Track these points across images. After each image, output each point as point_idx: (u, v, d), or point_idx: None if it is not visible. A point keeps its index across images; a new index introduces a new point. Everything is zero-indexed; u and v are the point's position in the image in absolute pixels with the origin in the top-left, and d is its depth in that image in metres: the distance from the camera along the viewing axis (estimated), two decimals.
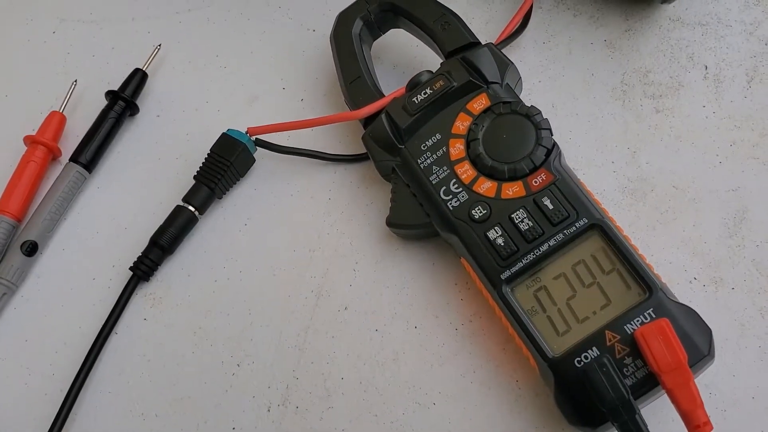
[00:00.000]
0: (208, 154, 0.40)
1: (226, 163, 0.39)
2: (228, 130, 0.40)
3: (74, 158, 0.41)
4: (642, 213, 0.40)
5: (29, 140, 0.42)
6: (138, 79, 0.43)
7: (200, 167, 0.40)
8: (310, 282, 0.39)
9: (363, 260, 0.40)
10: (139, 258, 0.39)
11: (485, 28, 0.45)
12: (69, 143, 0.44)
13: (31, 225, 0.40)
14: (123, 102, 0.42)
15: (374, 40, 0.43)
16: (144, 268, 0.38)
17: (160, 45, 0.45)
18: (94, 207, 0.42)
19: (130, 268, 0.39)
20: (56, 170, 0.43)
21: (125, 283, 0.39)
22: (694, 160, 0.41)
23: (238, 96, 0.45)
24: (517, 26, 0.43)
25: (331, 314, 0.38)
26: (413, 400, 0.36)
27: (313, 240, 0.40)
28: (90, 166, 0.41)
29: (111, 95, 0.43)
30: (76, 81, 0.44)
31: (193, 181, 0.40)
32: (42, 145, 0.41)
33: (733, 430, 0.34)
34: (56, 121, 0.42)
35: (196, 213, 0.40)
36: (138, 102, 0.44)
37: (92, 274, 0.40)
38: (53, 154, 0.42)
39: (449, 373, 0.37)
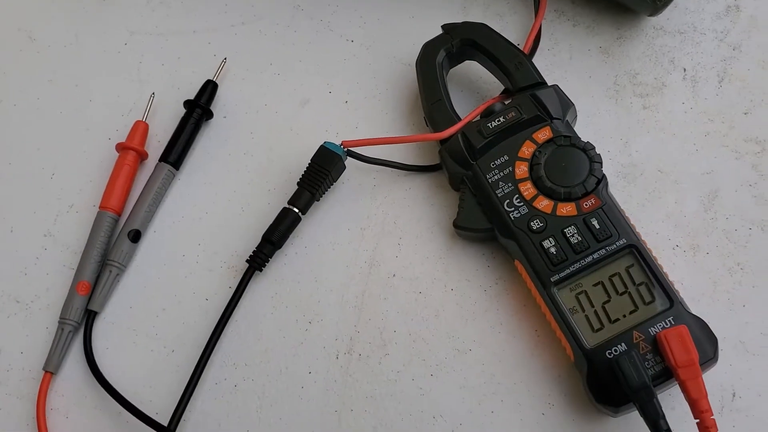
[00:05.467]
0: (309, 164, 0.47)
1: (325, 172, 0.46)
2: (325, 142, 0.47)
3: (164, 158, 0.49)
4: (633, 193, 0.48)
5: (121, 147, 0.50)
6: (210, 89, 0.51)
7: (302, 175, 0.47)
8: (363, 255, 0.48)
9: (406, 237, 0.48)
10: (254, 252, 0.46)
11: None
12: (150, 144, 0.52)
13: (135, 216, 0.48)
14: (200, 109, 0.50)
15: (451, 68, 0.50)
16: (259, 261, 0.46)
17: (225, 59, 0.53)
18: (181, 198, 0.50)
19: (247, 261, 0.46)
20: (143, 168, 0.51)
21: (228, 266, 0.48)
22: (675, 148, 0.49)
23: (291, 99, 0.53)
24: (531, 47, 0.51)
25: (382, 280, 0.47)
26: (453, 347, 0.45)
27: (373, 225, 0.49)
28: (177, 164, 0.49)
29: (189, 104, 0.50)
30: (153, 94, 0.52)
31: (296, 187, 0.47)
32: (132, 150, 0.49)
33: None
34: (141, 129, 0.50)
35: (300, 214, 0.47)
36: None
37: (182, 252, 0.49)
38: (141, 157, 0.50)
39: (481, 326, 0.46)
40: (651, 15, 0.51)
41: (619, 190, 0.48)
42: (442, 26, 0.50)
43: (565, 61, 0.52)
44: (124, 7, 0.57)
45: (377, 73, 0.53)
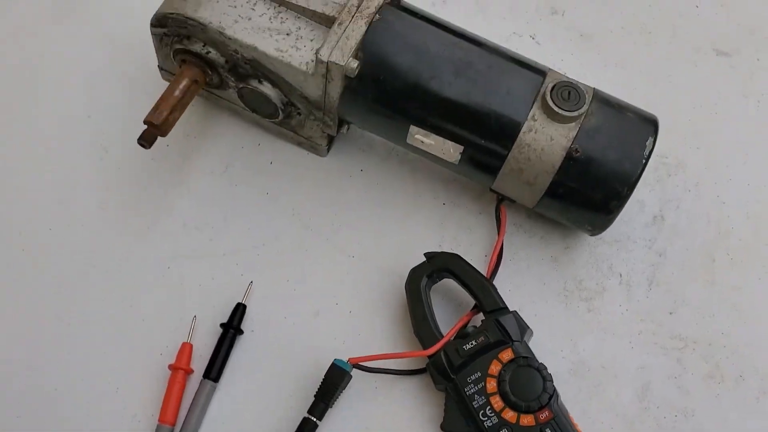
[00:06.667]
0: (323, 380, 0.59)
1: (336, 386, 0.59)
2: (335, 360, 0.59)
3: (206, 375, 0.62)
4: (582, 387, 0.60)
5: (172, 367, 0.62)
6: (241, 311, 0.64)
7: (318, 389, 0.59)
8: None
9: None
10: None
11: (470, 250, 0.66)
12: (194, 358, 0.64)
13: (186, 426, 0.60)
14: (233, 329, 0.63)
15: (433, 285, 0.63)
16: None
17: (252, 282, 0.65)
18: (221, 405, 0.62)
19: None
20: (190, 379, 0.63)
21: None
22: (614, 346, 0.62)
23: (305, 311, 0.65)
24: (493, 269, 0.63)
25: None
26: None
27: (375, 424, 0.61)
28: (216, 378, 0.62)
29: (224, 326, 0.63)
30: (195, 317, 0.65)
31: (313, 398, 0.59)
32: (181, 369, 0.62)
33: None
34: (187, 350, 0.63)
35: (317, 421, 0.59)
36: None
37: None
38: (188, 372, 0.63)
39: None
40: (592, 235, 0.64)
41: (571, 384, 0.60)
42: (424, 254, 0.62)
43: (524, 269, 0.65)
44: (166, 232, 0.68)
45: (375, 285, 0.65)
